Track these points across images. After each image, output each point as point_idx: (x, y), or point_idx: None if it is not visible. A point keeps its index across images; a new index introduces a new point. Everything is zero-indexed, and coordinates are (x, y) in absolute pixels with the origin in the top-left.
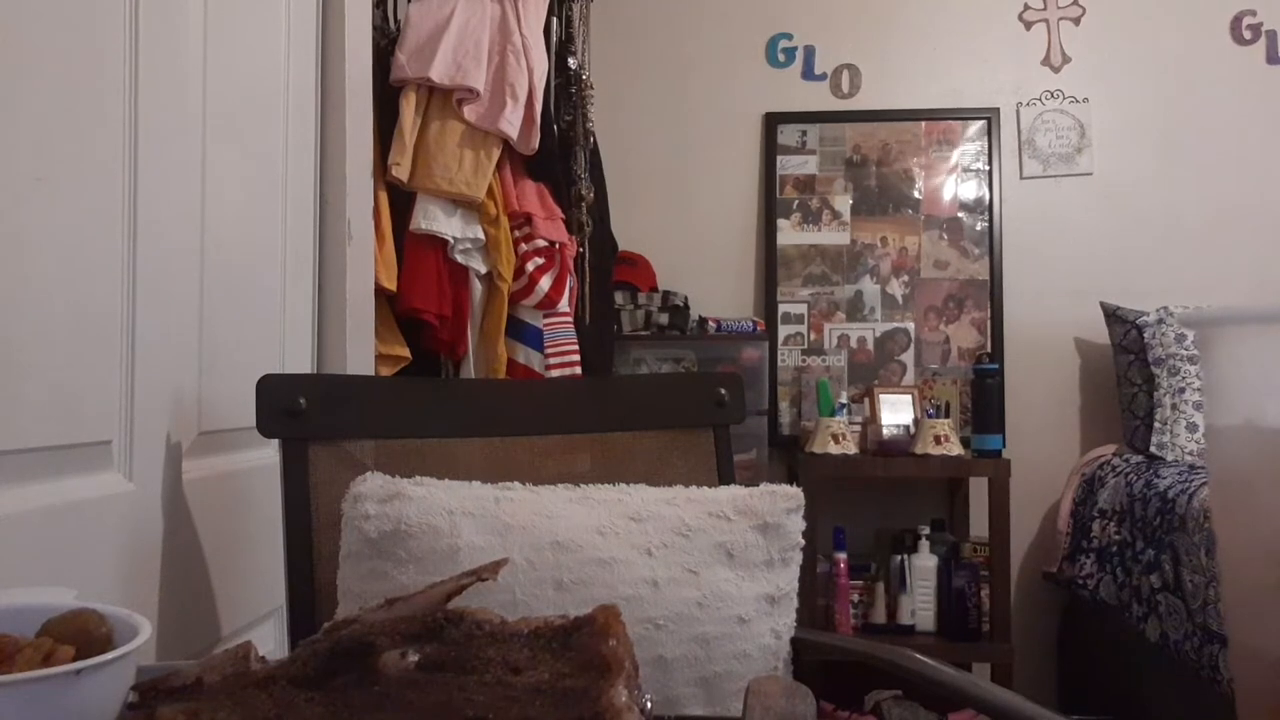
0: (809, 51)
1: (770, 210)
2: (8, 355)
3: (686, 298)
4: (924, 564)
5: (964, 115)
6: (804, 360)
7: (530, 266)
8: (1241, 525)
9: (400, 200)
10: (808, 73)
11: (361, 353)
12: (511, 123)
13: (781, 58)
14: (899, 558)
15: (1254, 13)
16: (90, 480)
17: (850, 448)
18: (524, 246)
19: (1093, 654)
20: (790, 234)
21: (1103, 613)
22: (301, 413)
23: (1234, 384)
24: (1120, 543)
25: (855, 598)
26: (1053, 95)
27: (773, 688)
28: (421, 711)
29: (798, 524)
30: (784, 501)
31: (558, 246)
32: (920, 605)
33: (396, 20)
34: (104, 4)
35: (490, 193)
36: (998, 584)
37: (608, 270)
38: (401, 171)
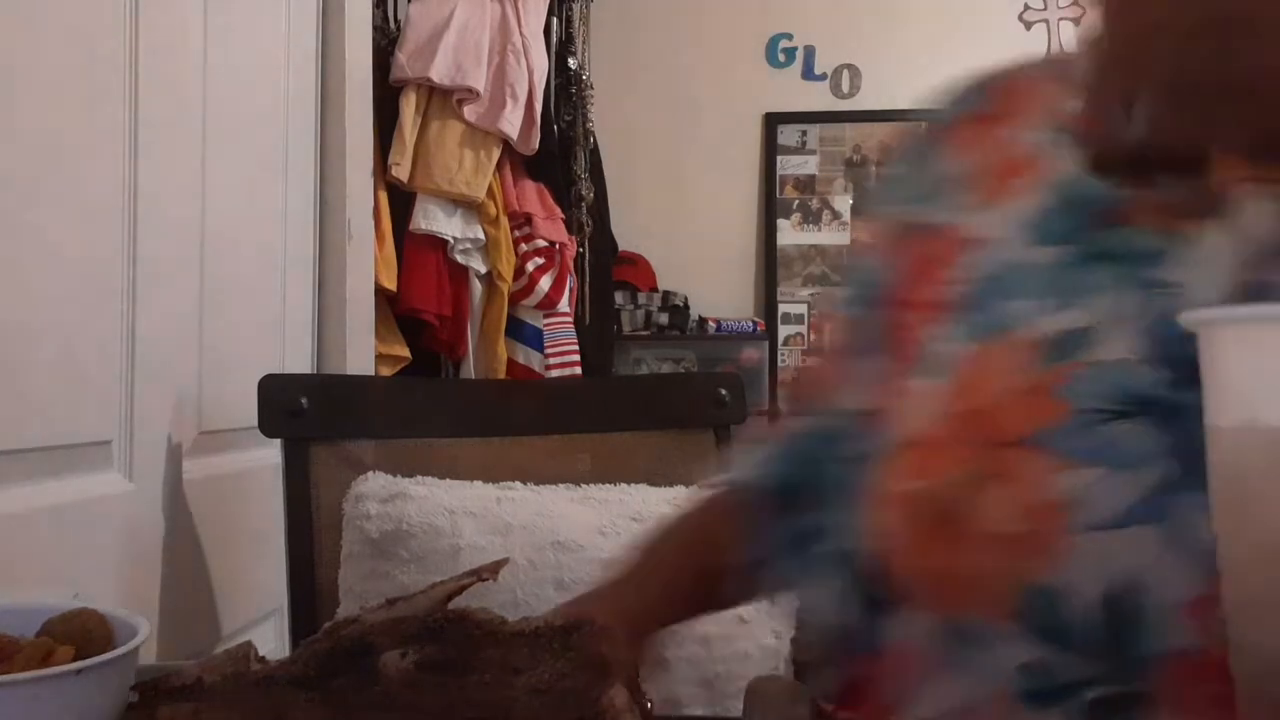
0: (809, 51)
1: (770, 210)
2: (8, 355)
3: (686, 298)
4: None
5: None
6: (804, 360)
7: (530, 266)
8: (1242, 525)
9: (400, 200)
10: (808, 73)
11: (361, 353)
12: (511, 123)
13: (781, 58)
14: None
15: None
16: (90, 480)
17: None
18: (524, 246)
19: None
20: (790, 234)
21: None
22: (304, 413)
23: (1234, 384)
24: None
25: None
26: None
27: (773, 688)
28: (421, 712)
29: None
30: None
31: (558, 246)
32: None
33: (396, 20)
34: (104, 5)
35: (490, 193)
36: None
37: (608, 270)
38: (401, 171)
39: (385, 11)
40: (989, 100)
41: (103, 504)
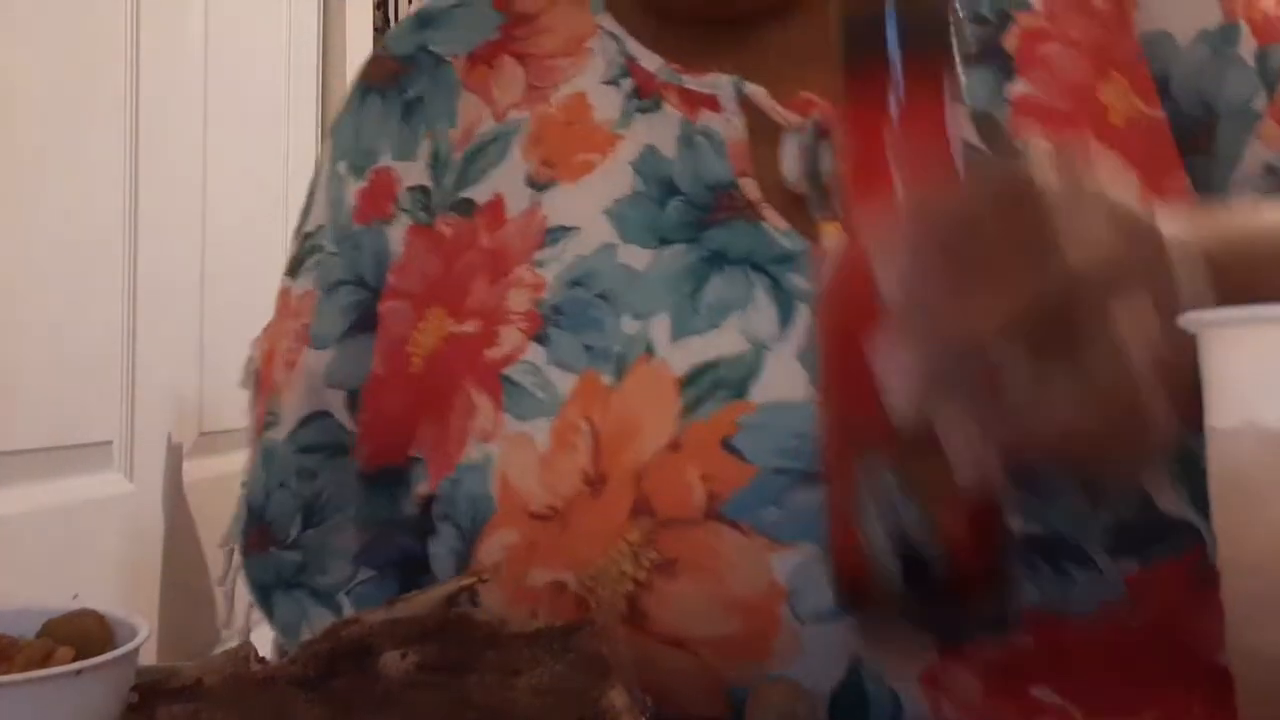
0: None
1: None
2: (9, 355)
3: None
4: None
5: None
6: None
7: None
8: (1242, 526)
9: None
10: None
11: None
12: None
13: None
14: None
15: None
16: (91, 481)
17: None
18: None
19: None
20: None
21: None
22: None
23: (1234, 384)
24: None
25: None
26: None
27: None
28: (422, 712)
29: None
30: None
31: None
32: None
33: (398, 19)
34: (105, 6)
35: None
36: None
37: None
38: None
39: (386, 12)
40: (509, 26)
41: (103, 504)
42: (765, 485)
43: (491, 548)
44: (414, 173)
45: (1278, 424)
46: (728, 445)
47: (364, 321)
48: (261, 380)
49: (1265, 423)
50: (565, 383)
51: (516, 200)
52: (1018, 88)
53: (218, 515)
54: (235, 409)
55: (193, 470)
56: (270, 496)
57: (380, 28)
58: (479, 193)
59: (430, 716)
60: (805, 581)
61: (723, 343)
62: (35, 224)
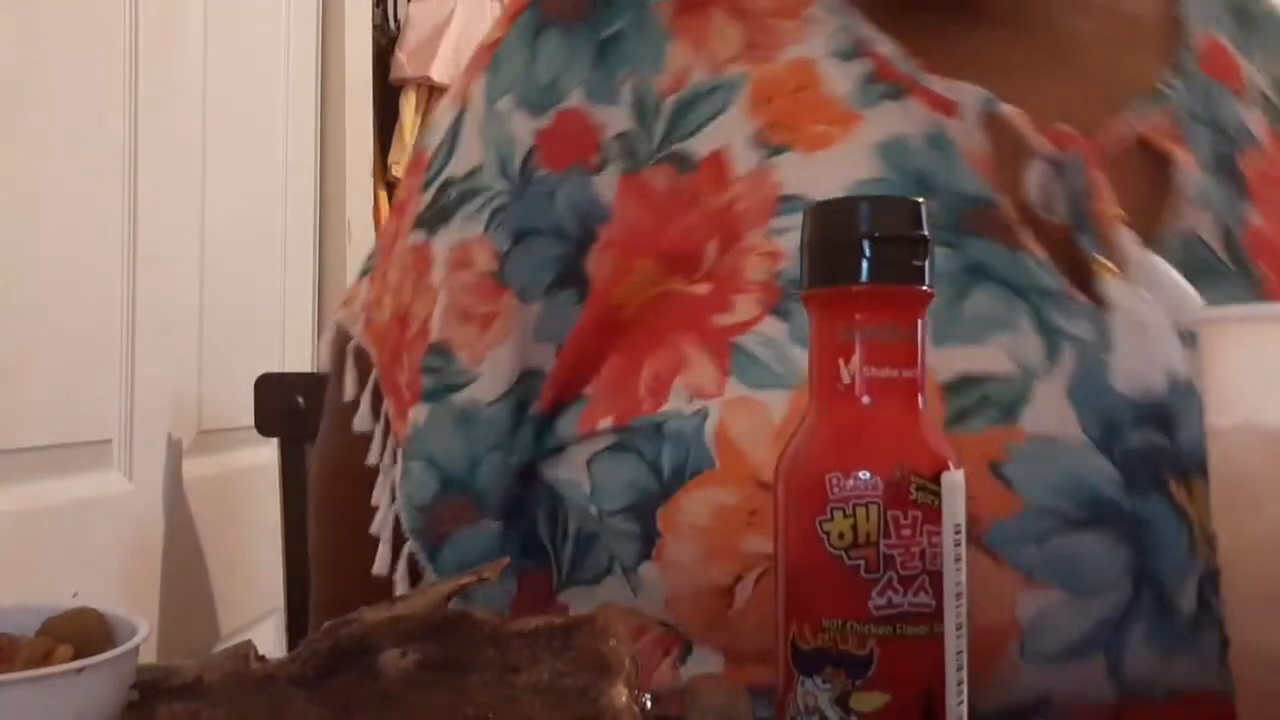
0: None
1: None
2: (8, 354)
3: None
4: None
5: None
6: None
7: None
8: (1242, 525)
9: None
10: None
11: None
12: None
13: None
14: None
15: None
16: (90, 479)
17: None
18: None
19: None
20: None
21: None
22: (301, 412)
23: (1234, 384)
24: None
25: None
26: None
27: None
28: (421, 710)
29: None
30: None
31: None
32: None
33: (396, 19)
34: (104, 6)
35: None
36: None
37: None
38: (401, 171)
39: (385, 11)
40: None
41: (102, 503)
42: (1031, 522)
43: (698, 500)
44: (617, 118)
45: (1278, 423)
46: (996, 470)
47: (567, 276)
48: (389, 343)
49: (1265, 421)
50: (793, 358)
51: (743, 159)
52: (1249, 211)
53: (217, 514)
54: (234, 408)
55: (192, 468)
56: (478, 464)
57: (380, 25)
58: (697, 146)
59: (430, 715)
60: (1043, 624)
61: (989, 359)
62: (34, 221)
